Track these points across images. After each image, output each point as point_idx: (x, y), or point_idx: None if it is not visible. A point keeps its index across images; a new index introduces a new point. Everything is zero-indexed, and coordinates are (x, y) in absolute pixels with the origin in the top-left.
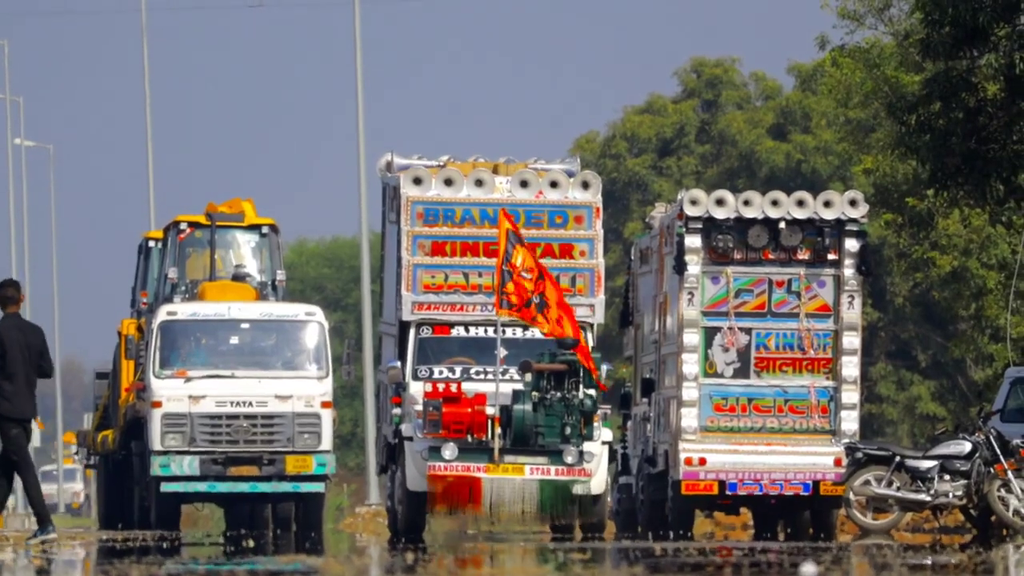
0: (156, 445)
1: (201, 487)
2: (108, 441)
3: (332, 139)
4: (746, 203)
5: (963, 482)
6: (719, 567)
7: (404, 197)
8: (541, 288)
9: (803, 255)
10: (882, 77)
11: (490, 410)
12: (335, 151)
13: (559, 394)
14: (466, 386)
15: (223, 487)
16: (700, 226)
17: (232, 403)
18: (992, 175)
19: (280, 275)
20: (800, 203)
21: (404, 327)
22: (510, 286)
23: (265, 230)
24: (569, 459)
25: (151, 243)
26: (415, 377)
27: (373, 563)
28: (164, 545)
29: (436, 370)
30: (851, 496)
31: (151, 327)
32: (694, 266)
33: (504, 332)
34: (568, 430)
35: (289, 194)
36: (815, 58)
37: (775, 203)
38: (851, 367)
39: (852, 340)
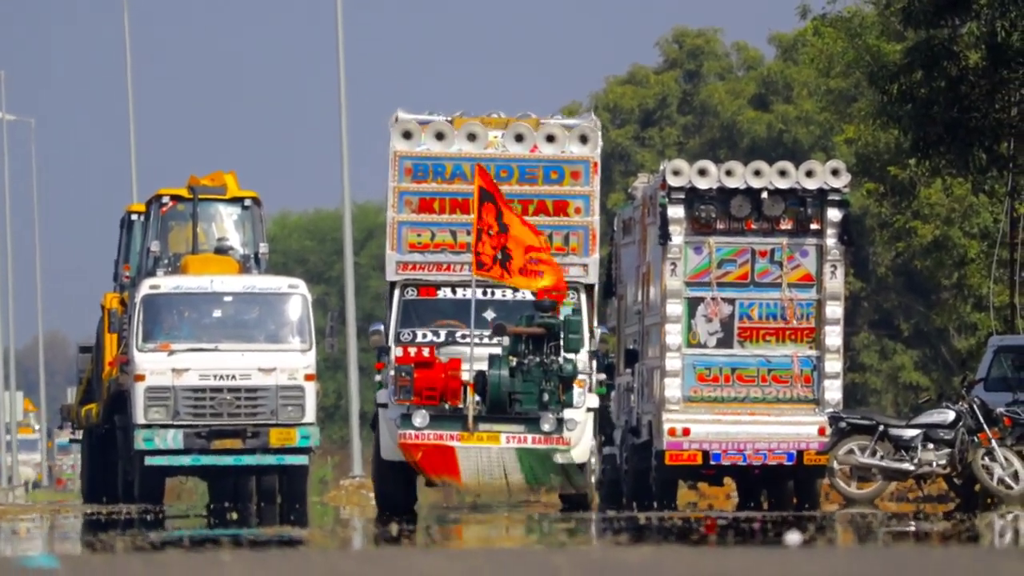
0: (140, 419)
1: (185, 460)
2: (92, 415)
3: (314, 112)
4: (728, 173)
5: (947, 451)
6: (703, 537)
7: (392, 152)
8: (503, 241)
9: (786, 225)
10: (864, 46)
11: (465, 376)
12: (318, 124)
13: (537, 359)
14: (446, 350)
15: (207, 460)
16: (683, 196)
17: (215, 376)
18: (974, 144)
19: (263, 248)
20: (782, 173)
21: (391, 289)
22: (482, 245)
23: (247, 203)
24: (546, 427)
25: (134, 217)
26: (398, 341)
27: (356, 534)
28: (148, 518)
29: (420, 333)
30: (835, 465)
31: (134, 301)
32: (677, 236)
33: (494, 294)
34: (546, 396)
35: (272, 167)
36: (797, 28)
37: (757, 173)
38: (834, 336)
39: (835, 309)
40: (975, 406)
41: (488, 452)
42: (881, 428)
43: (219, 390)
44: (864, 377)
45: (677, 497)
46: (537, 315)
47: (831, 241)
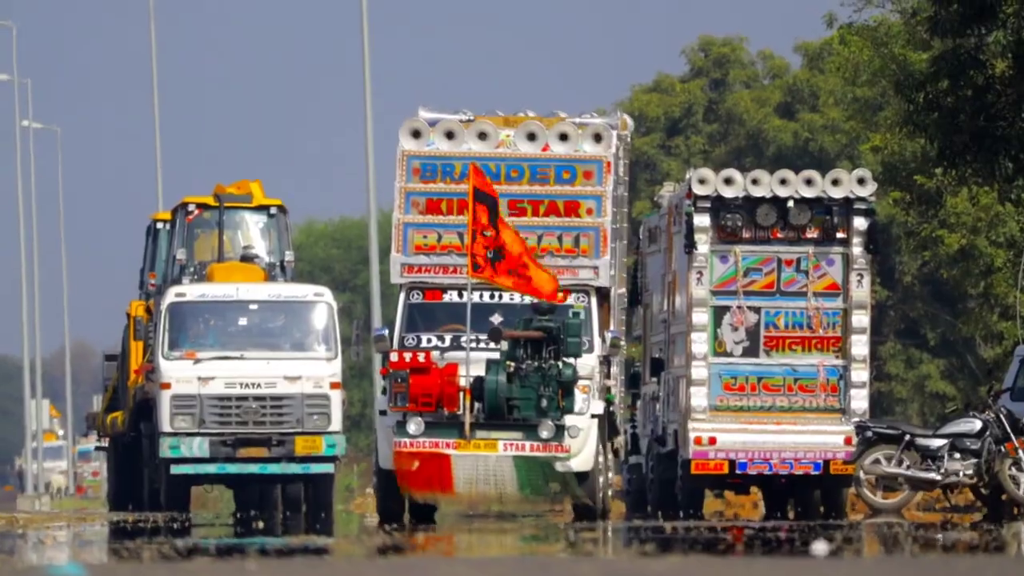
0: (165, 427)
1: (211, 469)
2: (117, 423)
3: (340, 119)
4: (754, 182)
5: (973, 460)
6: (730, 546)
7: (399, 151)
8: (498, 243)
9: (812, 234)
10: (890, 55)
11: (463, 381)
12: (344, 131)
13: (535, 363)
14: (445, 355)
15: (232, 468)
16: (709, 205)
17: (241, 384)
18: (1000, 153)
19: (288, 256)
20: (808, 182)
21: (396, 292)
22: (476, 247)
23: (273, 211)
24: (545, 433)
25: (159, 225)
26: (403, 346)
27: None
28: (174, 526)
29: (425, 338)
30: (861, 475)
31: (160, 309)
32: (703, 245)
33: (501, 297)
34: (545, 402)
35: (298, 175)
36: (823, 36)
37: (783, 182)
38: (860, 346)
39: (861, 318)
40: (1002, 416)
41: (485, 460)
42: (907, 438)
43: (245, 398)
44: (890, 386)
45: (703, 506)
46: (535, 318)
47: (857, 250)
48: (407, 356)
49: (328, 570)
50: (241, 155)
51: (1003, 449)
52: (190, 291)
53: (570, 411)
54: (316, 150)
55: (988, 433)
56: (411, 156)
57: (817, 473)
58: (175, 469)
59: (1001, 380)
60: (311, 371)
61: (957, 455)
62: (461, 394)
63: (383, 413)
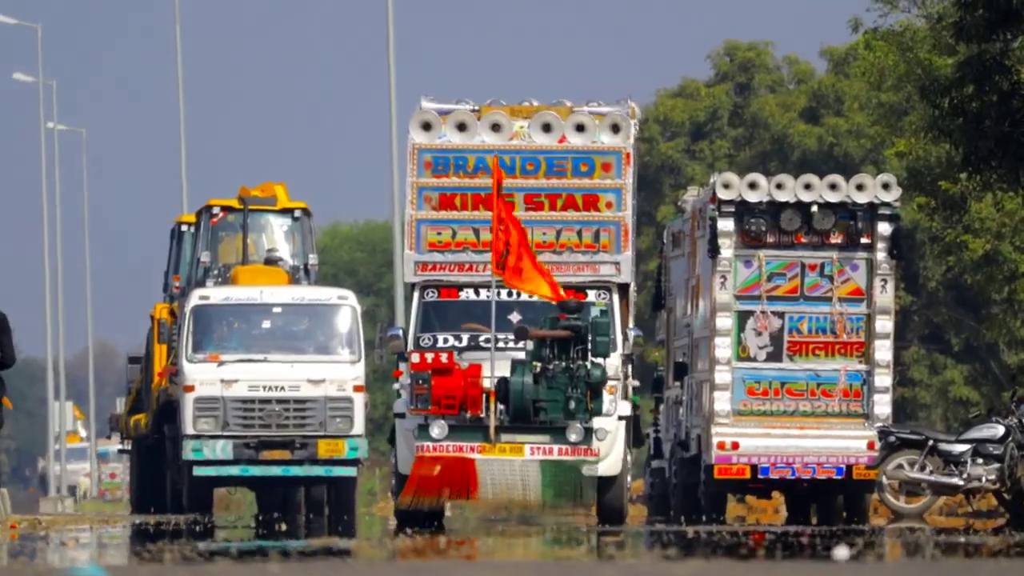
0: (189, 429)
1: (234, 471)
2: (140, 425)
3: (365, 123)
4: (779, 186)
5: (996, 466)
6: (752, 550)
7: (410, 144)
8: (506, 237)
9: (836, 239)
10: (915, 60)
11: (487, 383)
12: (368, 135)
13: (562, 364)
14: (466, 356)
15: (255, 471)
16: (733, 209)
17: (264, 387)
18: None
19: (312, 259)
20: (833, 186)
21: (411, 290)
22: (499, 243)
23: (297, 214)
24: (573, 436)
25: (184, 227)
26: (418, 346)
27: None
28: (197, 528)
29: (441, 338)
30: (884, 480)
31: (184, 311)
32: (727, 250)
33: (519, 295)
34: (573, 404)
35: (322, 177)
36: (848, 41)
37: (808, 186)
38: (884, 351)
39: (885, 324)
40: None
41: (511, 465)
42: (930, 443)
43: (268, 401)
44: (914, 392)
45: (726, 511)
46: (562, 317)
47: (881, 255)
48: (429, 357)
49: (350, 573)
50: (266, 157)
51: None
52: (214, 294)
53: (598, 413)
54: (341, 152)
55: (1011, 439)
56: (422, 150)
57: (839, 478)
58: (198, 471)
59: None
60: (334, 374)
61: (980, 460)
62: (485, 396)
63: (401, 416)
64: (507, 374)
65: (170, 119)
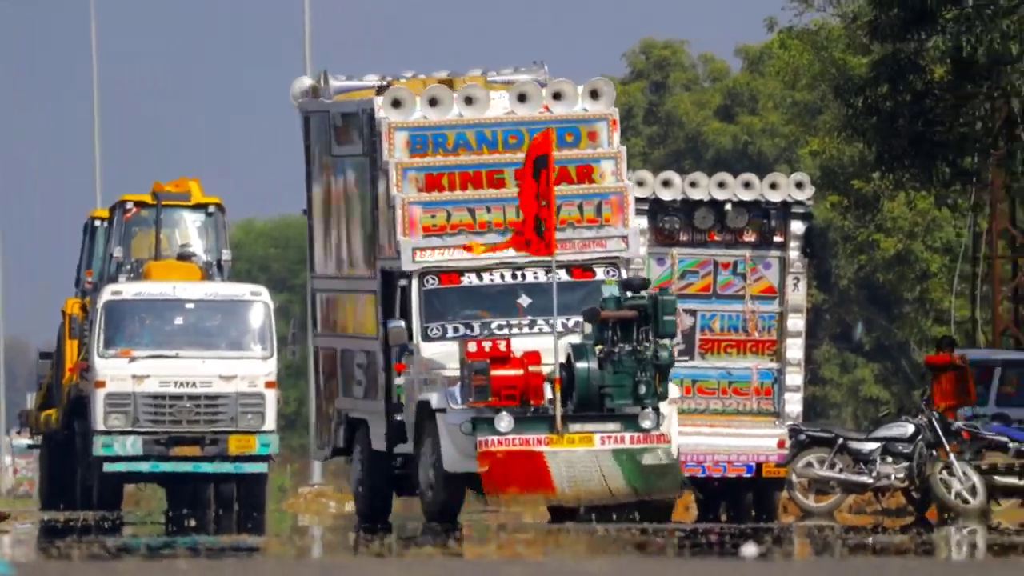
0: (99, 425)
1: (144, 467)
2: (51, 420)
3: (280, 117)
4: (692, 185)
5: (905, 464)
6: (662, 547)
7: (386, 124)
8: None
9: (749, 237)
10: (830, 59)
11: (545, 370)
12: (283, 129)
13: (628, 347)
14: (519, 343)
15: (166, 467)
16: (646, 207)
17: (176, 383)
18: (938, 158)
19: (226, 255)
20: (746, 185)
21: (387, 278)
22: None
23: (211, 209)
24: (646, 423)
25: (97, 222)
26: (426, 337)
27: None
28: (106, 525)
29: (451, 327)
30: (794, 478)
31: (96, 307)
32: (640, 247)
33: (524, 276)
34: (643, 388)
35: (237, 173)
36: (763, 40)
37: (721, 185)
38: (795, 349)
39: (797, 322)
40: (934, 420)
41: (582, 457)
42: (840, 441)
43: (179, 397)
44: (824, 390)
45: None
46: (624, 296)
47: (794, 254)
48: (486, 345)
49: (258, 570)
50: (180, 153)
51: (935, 453)
52: (126, 289)
53: (665, 397)
54: (255, 148)
55: (920, 437)
56: (398, 128)
57: (750, 476)
58: (108, 467)
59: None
60: (246, 370)
61: (889, 459)
62: (548, 384)
63: (442, 411)
64: (563, 360)
65: (84, 114)
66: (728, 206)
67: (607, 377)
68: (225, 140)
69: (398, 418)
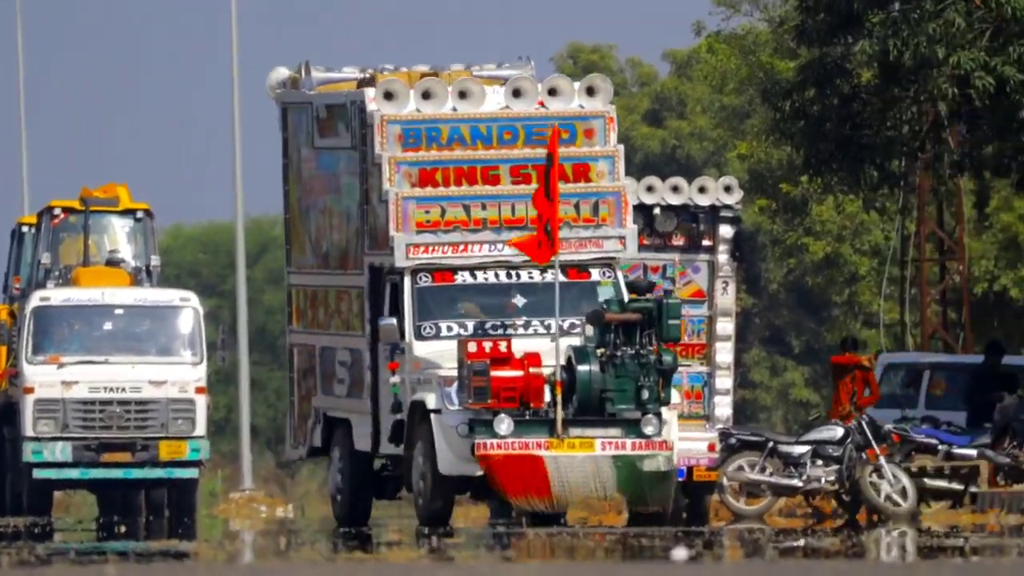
0: (28, 431)
1: (74, 473)
2: None
3: (209, 123)
4: None
5: (835, 467)
6: (592, 551)
7: (378, 116)
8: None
9: (678, 241)
10: (757, 63)
11: (546, 373)
12: (212, 135)
13: (631, 350)
14: (519, 344)
15: (96, 473)
16: None
17: (105, 389)
18: (866, 161)
19: (155, 260)
20: (675, 189)
21: (375, 275)
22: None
23: (140, 215)
24: (648, 429)
25: (24, 228)
26: (419, 336)
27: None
28: (36, 531)
29: (445, 326)
30: (724, 481)
31: (24, 313)
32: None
33: (519, 276)
34: (645, 393)
35: (166, 179)
36: (691, 44)
37: (650, 189)
38: (725, 353)
39: (726, 326)
40: (864, 423)
41: (581, 462)
42: (771, 444)
43: (109, 403)
44: (754, 393)
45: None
46: (626, 299)
47: (723, 257)
48: (487, 345)
49: (188, 575)
50: (108, 159)
51: (864, 456)
52: (55, 295)
53: (667, 403)
54: (184, 153)
55: (850, 440)
56: (391, 121)
57: (680, 480)
58: (38, 474)
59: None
60: (176, 376)
61: (819, 462)
62: (549, 387)
63: (436, 412)
64: (564, 362)
65: (10, 119)
66: (657, 210)
67: (609, 381)
68: (153, 145)
69: (394, 417)
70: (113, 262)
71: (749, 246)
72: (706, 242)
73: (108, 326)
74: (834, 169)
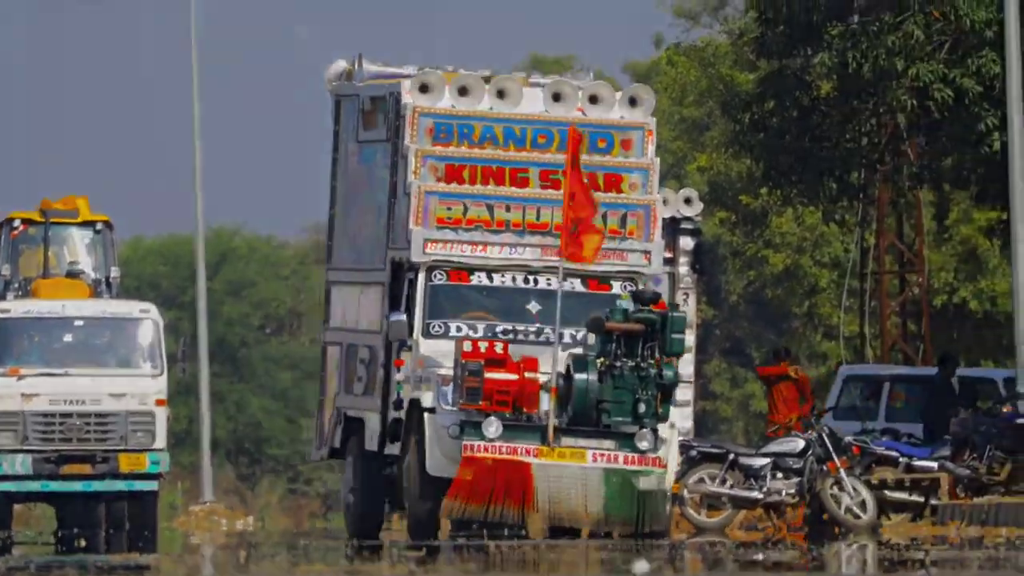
0: None
1: (34, 486)
2: None
3: (169, 135)
4: None
5: (796, 479)
6: (553, 565)
7: (411, 108)
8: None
9: None
10: (717, 76)
11: (542, 378)
12: (172, 147)
13: (631, 362)
14: (516, 348)
15: (56, 486)
16: None
17: (65, 401)
18: (825, 173)
19: (115, 272)
20: None
21: (396, 270)
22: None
23: (100, 227)
24: (643, 444)
25: None
26: (427, 334)
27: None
28: None
29: (454, 326)
30: (685, 494)
31: None
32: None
33: (536, 282)
34: (642, 407)
35: (126, 191)
36: (651, 56)
37: None
38: (686, 364)
39: (687, 338)
40: (824, 435)
41: (571, 472)
42: (732, 457)
43: (69, 415)
44: (715, 405)
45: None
46: (632, 309)
47: (683, 269)
48: (482, 346)
49: None
50: (68, 171)
51: (825, 468)
52: (14, 307)
53: (665, 419)
54: (145, 165)
55: (811, 452)
56: (423, 114)
57: None
58: None
59: (824, 400)
60: (136, 388)
61: (779, 474)
62: (544, 393)
63: (430, 411)
64: (563, 370)
65: None
66: None
67: (606, 391)
68: (112, 157)
69: (395, 415)
70: (73, 274)
71: (709, 258)
72: (667, 254)
73: (68, 338)
74: (793, 181)
